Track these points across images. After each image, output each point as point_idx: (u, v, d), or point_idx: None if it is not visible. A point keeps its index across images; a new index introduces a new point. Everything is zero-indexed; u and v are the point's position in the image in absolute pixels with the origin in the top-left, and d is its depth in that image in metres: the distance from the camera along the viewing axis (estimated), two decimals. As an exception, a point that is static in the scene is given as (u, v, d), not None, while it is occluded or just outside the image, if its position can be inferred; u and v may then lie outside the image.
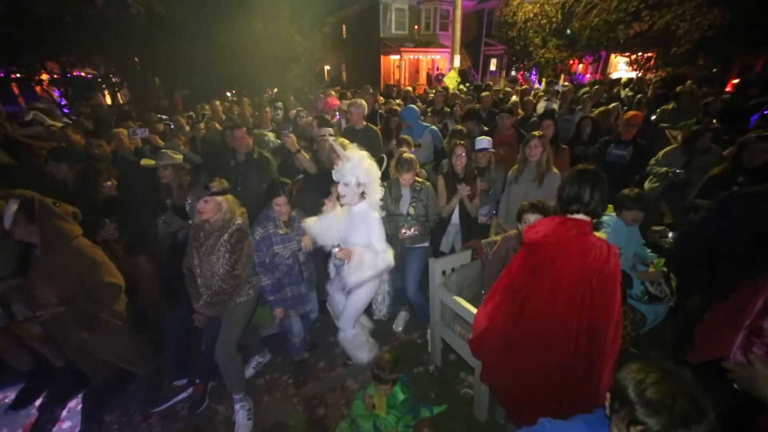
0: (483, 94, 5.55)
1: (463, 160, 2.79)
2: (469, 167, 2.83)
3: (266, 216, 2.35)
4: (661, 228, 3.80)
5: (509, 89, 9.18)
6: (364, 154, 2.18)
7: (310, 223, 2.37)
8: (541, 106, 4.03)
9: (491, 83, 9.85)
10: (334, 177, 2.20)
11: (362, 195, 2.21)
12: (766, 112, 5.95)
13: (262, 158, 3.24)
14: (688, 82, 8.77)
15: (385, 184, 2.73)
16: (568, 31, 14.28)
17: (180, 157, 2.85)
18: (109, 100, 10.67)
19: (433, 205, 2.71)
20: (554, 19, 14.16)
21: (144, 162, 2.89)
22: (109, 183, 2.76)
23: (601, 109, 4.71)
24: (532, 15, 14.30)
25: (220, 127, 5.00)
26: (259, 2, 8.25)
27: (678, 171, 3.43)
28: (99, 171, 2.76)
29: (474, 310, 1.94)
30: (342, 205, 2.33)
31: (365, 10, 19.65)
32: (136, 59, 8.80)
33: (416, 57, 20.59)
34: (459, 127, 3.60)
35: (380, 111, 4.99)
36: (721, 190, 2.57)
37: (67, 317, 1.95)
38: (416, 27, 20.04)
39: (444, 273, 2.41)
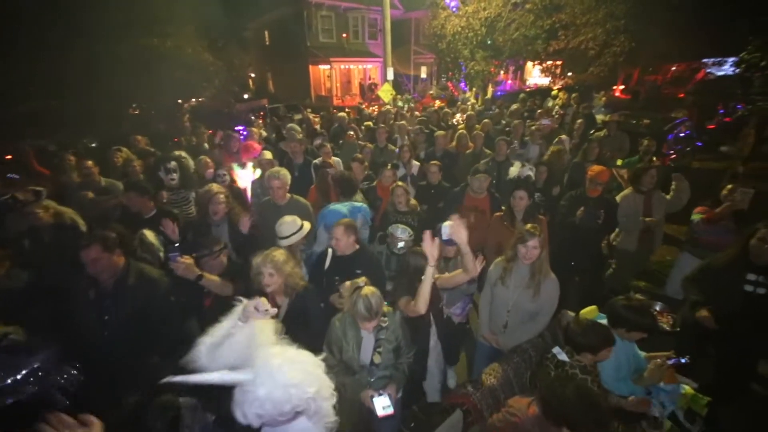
0: (437, 134, 4.90)
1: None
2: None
3: None
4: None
5: (447, 109, 8.91)
6: (287, 356, 1.19)
7: None
8: (514, 171, 3.53)
9: (435, 108, 9.44)
10: None
11: None
12: (681, 135, 6.60)
13: (145, 281, 2.05)
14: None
15: (337, 322, 1.92)
16: (489, 41, 15.01)
17: None
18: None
19: (405, 342, 1.95)
20: (479, 32, 14.70)
21: None
22: None
23: (554, 150, 4.46)
24: (459, 28, 14.70)
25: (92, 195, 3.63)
26: (152, 17, 6.75)
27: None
28: None
29: None
30: None
31: (288, 16, 18.29)
32: None
33: (347, 67, 19.85)
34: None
35: (315, 162, 4.08)
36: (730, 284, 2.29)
37: None
38: (344, 35, 19.25)
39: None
